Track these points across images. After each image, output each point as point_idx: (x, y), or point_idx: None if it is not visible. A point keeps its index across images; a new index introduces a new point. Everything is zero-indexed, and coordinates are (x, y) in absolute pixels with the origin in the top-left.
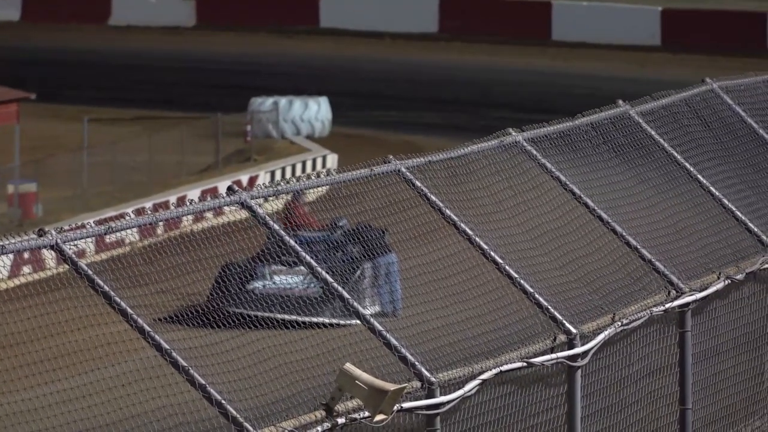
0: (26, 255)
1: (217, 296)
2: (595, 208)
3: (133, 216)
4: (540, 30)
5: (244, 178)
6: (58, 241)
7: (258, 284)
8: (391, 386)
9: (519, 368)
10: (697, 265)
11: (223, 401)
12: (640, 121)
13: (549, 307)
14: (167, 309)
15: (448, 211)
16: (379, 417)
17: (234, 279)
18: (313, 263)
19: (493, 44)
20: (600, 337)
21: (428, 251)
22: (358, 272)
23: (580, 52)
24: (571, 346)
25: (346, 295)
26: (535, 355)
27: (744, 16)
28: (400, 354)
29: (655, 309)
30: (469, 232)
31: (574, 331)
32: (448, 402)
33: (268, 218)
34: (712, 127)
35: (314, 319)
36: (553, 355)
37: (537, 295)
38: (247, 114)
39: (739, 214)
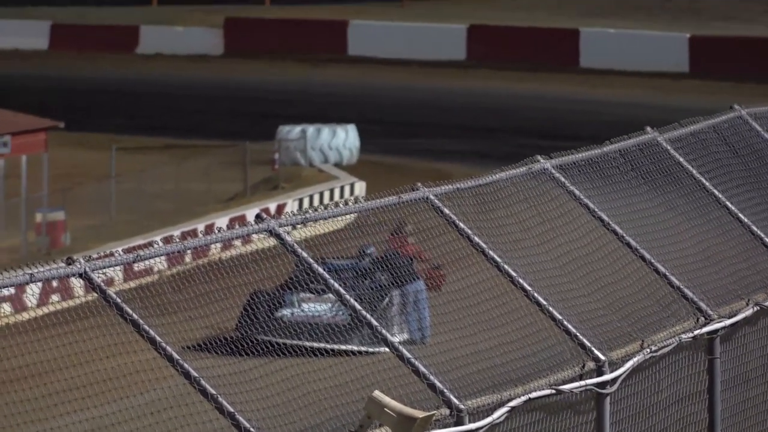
0: (55, 283)
1: (246, 324)
2: (624, 234)
3: (161, 244)
4: (568, 57)
5: (272, 206)
6: (87, 269)
7: (286, 312)
8: (420, 413)
9: (548, 395)
10: (726, 291)
11: (251, 429)
12: (668, 147)
13: (578, 334)
14: (195, 337)
15: (476, 239)
16: None
17: (262, 307)
18: (342, 291)
19: (521, 71)
20: (629, 364)
21: (456, 279)
22: (387, 299)
23: (608, 79)
24: (600, 373)
25: (374, 322)
26: (564, 382)
27: None
28: (429, 381)
29: (683, 336)
30: (498, 259)
31: (602, 358)
32: (477, 429)
33: (296, 246)
34: (740, 154)
35: (342, 347)
36: (582, 382)
37: (566, 322)
38: (275, 142)
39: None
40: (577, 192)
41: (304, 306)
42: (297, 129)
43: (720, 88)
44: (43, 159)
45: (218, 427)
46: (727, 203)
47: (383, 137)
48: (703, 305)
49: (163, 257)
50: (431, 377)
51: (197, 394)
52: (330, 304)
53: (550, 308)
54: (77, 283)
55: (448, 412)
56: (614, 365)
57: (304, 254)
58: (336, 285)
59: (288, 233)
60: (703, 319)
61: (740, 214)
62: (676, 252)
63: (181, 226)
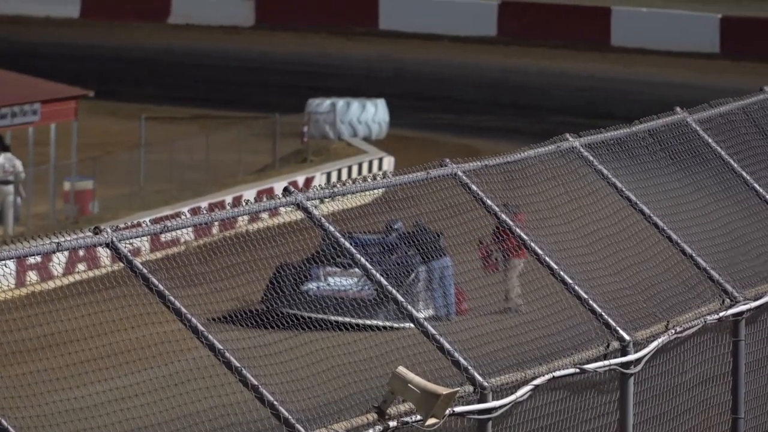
0: (81, 252)
1: (271, 297)
2: (651, 215)
3: (188, 215)
4: (599, 35)
5: (301, 179)
6: (114, 239)
7: (312, 286)
8: (444, 390)
9: (572, 374)
10: (752, 274)
11: (275, 402)
12: (698, 128)
13: (603, 313)
14: (221, 309)
15: (503, 216)
16: (430, 421)
17: (288, 280)
18: (368, 265)
19: (552, 48)
20: (653, 345)
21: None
22: (413, 275)
23: (639, 58)
24: (625, 353)
25: (400, 298)
26: (588, 362)
27: None
28: (453, 358)
29: (709, 317)
30: (524, 237)
31: (627, 338)
32: (500, 407)
33: (323, 220)
34: None
35: (368, 322)
36: (606, 362)
37: (591, 302)
38: (305, 115)
39: None
40: (605, 171)
41: (330, 280)
42: (326, 102)
43: (751, 68)
44: (72, 127)
45: (242, 399)
46: (755, 185)
47: (413, 112)
48: (728, 287)
49: (190, 228)
50: (456, 354)
51: (221, 366)
52: (356, 279)
53: (576, 287)
54: (104, 253)
55: (471, 389)
56: (639, 345)
57: (331, 228)
58: (362, 260)
59: (315, 207)
60: (728, 300)
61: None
62: (703, 233)
63: (210, 197)
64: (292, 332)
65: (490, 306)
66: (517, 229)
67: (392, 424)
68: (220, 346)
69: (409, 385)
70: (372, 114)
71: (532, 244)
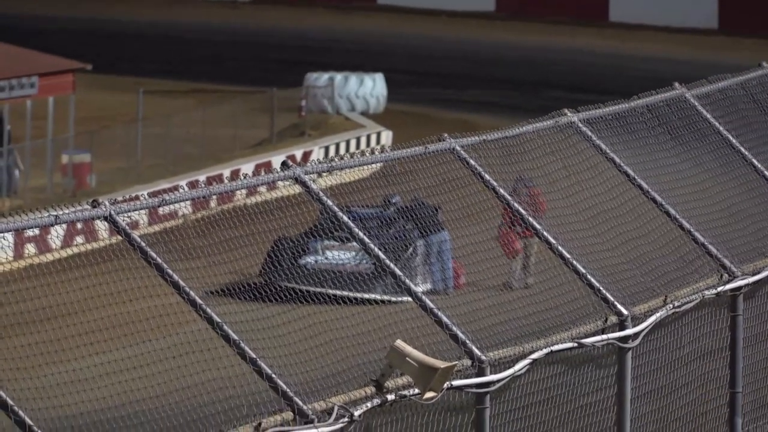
0: (79, 225)
1: (269, 270)
2: (649, 190)
3: (186, 189)
4: (598, 11)
5: (298, 153)
6: (112, 212)
7: (310, 259)
8: (442, 364)
9: (569, 348)
10: (750, 249)
11: (273, 375)
12: (696, 104)
13: (601, 288)
14: (219, 282)
15: (501, 190)
16: (428, 394)
17: (286, 254)
18: (366, 239)
19: (550, 24)
20: (651, 319)
21: (481, 230)
22: (411, 249)
23: (638, 34)
24: (623, 328)
25: (398, 272)
26: (586, 336)
27: None
28: (451, 332)
29: (707, 292)
30: (522, 211)
31: (625, 312)
32: (498, 381)
33: (321, 194)
34: (767, 111)
35: (366, 296)
36: (604, 336)
37: (589, 276)
38: (303, 89)
39: None
40: (603, 146)
41: (328, 254)
42: (325, 76)
43: (749, 44)
44: (70, 101)
45: (240, 372)
46: (753, 161)
47: (411, 87)
48: (726, 262)
49: (188, 202)
50: (454, 328)
51: (220, 339)
52: (354, 253)
53: (574, 261)
54: (102, 226)
55: (469, 362)
56: (637, 320)
57: (329, 202)
58: (360, 234)
59: (313, 181)
60: (726, 275)
61: (766, 172)
62: (701, 208)
63: (207, 171)
64: (290, 305)
65: (489, 280)
66: (516, 205)
67: (390, 397)
68: (218, 319)
69: (407, 358)
70: (370, 88)
71: (530, 219)
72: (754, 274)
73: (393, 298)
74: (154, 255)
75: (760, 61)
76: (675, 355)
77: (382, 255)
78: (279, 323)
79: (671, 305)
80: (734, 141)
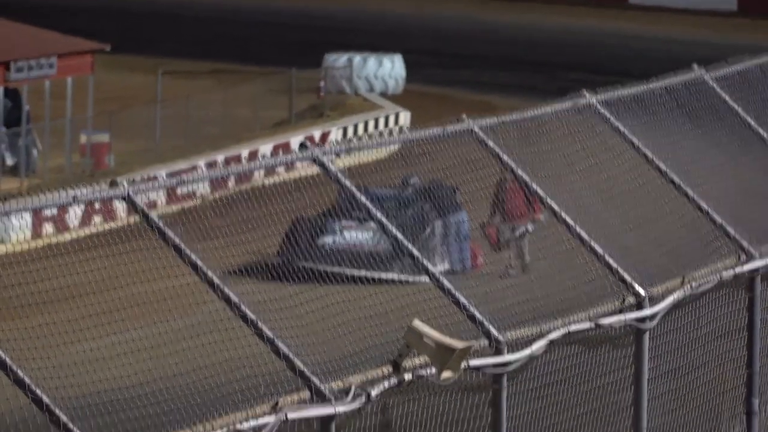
0: (97, 205)
1: (287, 250)
2: (668, 171)
3: (204, 169)
4: None
5: (317, 134)
6: (130, 192)
7: (328, 239)
8: (459, 344)
9: (587, 329)
10: None
11: (290, 355)
12: (715, 86)
13: (618, 268)
14: (237, 262)
15: (520, 172)
16: (446, 374)
17: (304, 234)
18: (384, 220)
19: (570, 5)
20: (669, 300)
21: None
22: (429, 230)
23: (657, 16)
24: (640, 308)
25: (416, 252)
26: (604, 316)
27: None
28: (469, 312)
29: (724, 273)
30: (541, 192)
31: (643, 293)
32: (516, 361)
33: (339, 174)
34: None
35: (383, 275)
36: (622, 317)
37: (607, 257)
38: (321, 70)
39: None
40: (621, 128)
41: (346, 234)
42: (343, 57)
43: None
44: (89, 81)
45: (257, 352)
46: None
47: (430, 68)
48: (744, 243)
49: (206, 182)
50: (471, 308)
51: (237, 319)
52: (372, 233)
53: (592, 242)
54: (120, 206)
55: (487, 343)
56: (654, 301)
57: (347, 183)
58: (378, 214)
59: (332, 161)
60: (744, 256)
61: None
62: (720, 189)
63: (226, 152)
64: (308, 285)
65: (506, 261)
66: (534, 186)
67: (407, 377)
68: (236, 299)
69: (424, 338)
70: (389, 69)
71: (549, 199)
72: None
73: (410, 278)
74: (171, 235)
75: None
76: (692, 335)
77: (399, 235)
78: (297, 303)
79: (689, 286)
80: (753, 123)
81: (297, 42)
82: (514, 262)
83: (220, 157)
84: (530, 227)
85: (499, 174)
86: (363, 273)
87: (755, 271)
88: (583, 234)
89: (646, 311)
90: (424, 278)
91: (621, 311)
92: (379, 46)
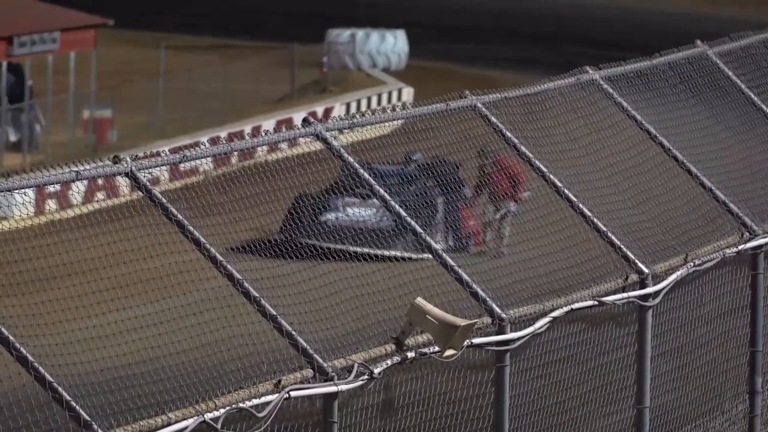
0: (100, 181)
1: (290, 227)
2: (671, 147)
3: (207, 145)
4: None
5: (320, 109)
6: (133, 168)
7: (331, 216)
8: (462, 321)
9: (590, 306)
10: None
11: (293, 332)
12: (718, 61)
13: (621, 246)
14: (240, 239)
15: (522, 148)
16: (448, 352)
17: (307, 210)
18: (387, 196)
19: None
20: (672, 278)
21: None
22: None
23: None
24: (643, 286)
25: (418, 229)
26: (607, 294)
27: None
28: (472, 290)
29: (727, 250)
30: (543, 168)
31: (646, 270)
32: (519, 339)
33: (342, 150)
34: None
35: (386, 253)
36: (625, 295)
37: (610, 234)
38: (324, 45)
39: None
40: (625, 104)
41: (349, 211)
42: (346, 33)
43: None
44: (91, 56)
45: (260, 329)
46: None
47: (433, 43)
48: (747, 220)
49: (209, 158)
50: (474, 285)
51: (240, 296)
52: (375, 210)
53: (595, 219)
54: (123, 182)
55: (489, 320)
56: (657, 278)
57: (350, 159)
58: (381, 190)
59: (335, 137)
60: (747, 234)
61: None
62: (723, 166)
63: (228, 127)
64: (311, 262)
65: (508, 238)
66: (537, 162)
67: (410, 354)
68: (239, 276)
69: (427, 316)
70: (391, 45)
71: (552, 176)
72: None
73: (413, 256)
74: (174, 211)
75: None
76: (695, 313)
77: (402, 212)
78: (299, 280)
79: (692, 263)
80: (756, 99)
81: (300, 16)
82: (491, 245)
83: (223, 133)
84: (513, 207)
85: (479, 157)
86: (366, 250)
87: (759, 248)
88: (586, 210)
89: (649, 289)
90: (427, 255)
91: (624, 289)
92: (381, 21)
